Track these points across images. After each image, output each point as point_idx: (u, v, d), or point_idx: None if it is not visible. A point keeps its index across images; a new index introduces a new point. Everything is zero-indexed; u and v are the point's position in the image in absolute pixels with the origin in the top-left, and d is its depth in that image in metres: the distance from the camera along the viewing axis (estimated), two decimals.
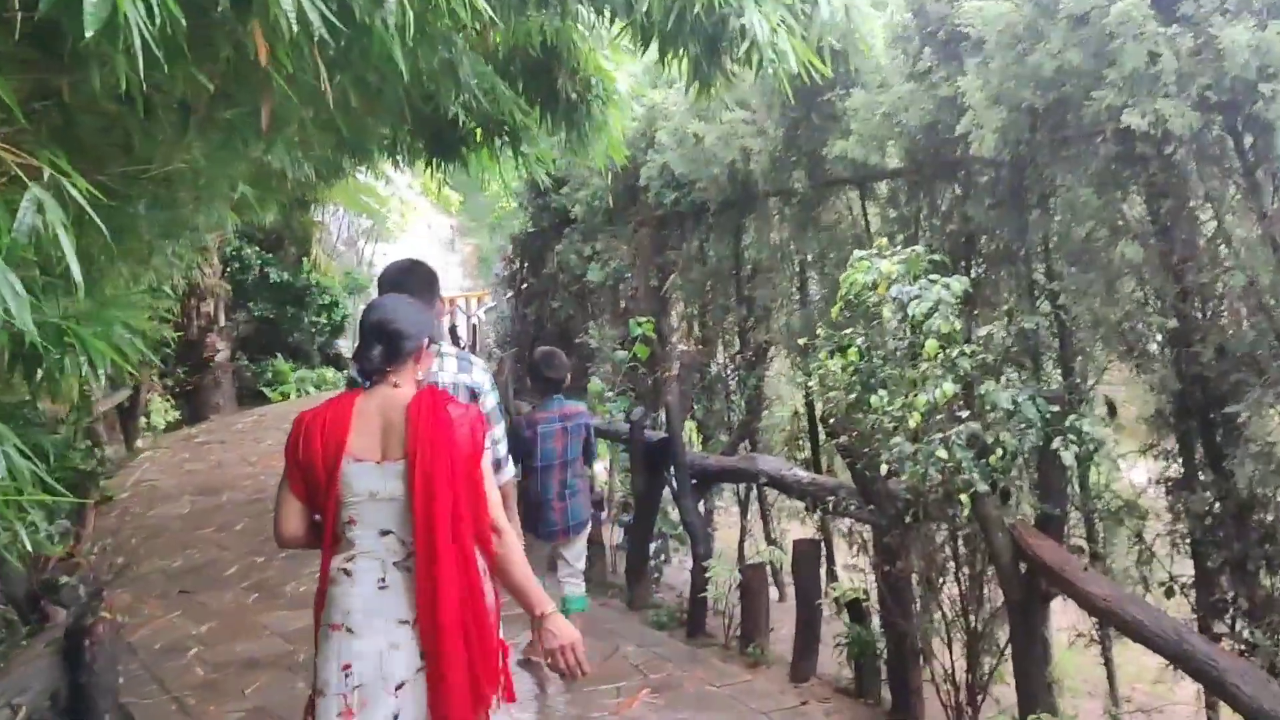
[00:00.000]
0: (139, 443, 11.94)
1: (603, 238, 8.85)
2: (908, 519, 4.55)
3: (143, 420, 12.23)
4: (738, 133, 6.83)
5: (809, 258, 7.07)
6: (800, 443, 7.04)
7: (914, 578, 4.74)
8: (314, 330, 15.50)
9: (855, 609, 5.22)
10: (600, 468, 8.39)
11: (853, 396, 4.42)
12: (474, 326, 10.65)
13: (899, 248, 4.54)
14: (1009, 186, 5.18)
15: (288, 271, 15.34)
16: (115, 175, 3.18)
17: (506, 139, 6.30)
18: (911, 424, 4.06)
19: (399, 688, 2.63)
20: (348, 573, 2.69)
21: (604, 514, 7.23)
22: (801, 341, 5.72)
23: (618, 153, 6.39)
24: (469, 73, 4.56)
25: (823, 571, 6.08)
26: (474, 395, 3.48)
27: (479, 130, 6.33)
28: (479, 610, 2.67)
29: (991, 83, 4.62)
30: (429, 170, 7.37)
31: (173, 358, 13.06)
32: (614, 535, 7.38)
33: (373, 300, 2.99)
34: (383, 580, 2.67)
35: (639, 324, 7.48)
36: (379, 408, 2.69)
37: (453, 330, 10.50)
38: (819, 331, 4.77)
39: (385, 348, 2.70)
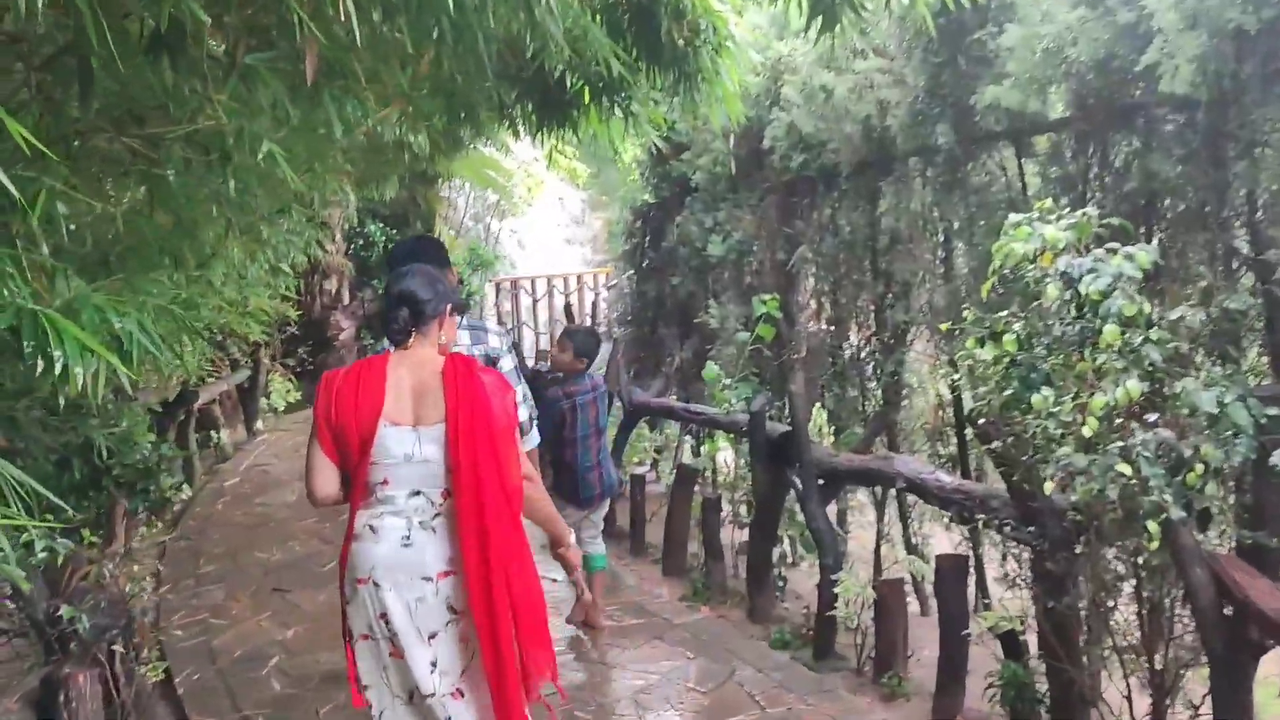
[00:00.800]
0: (259, 424, 11.83)
1: (725, 208, 8.10)
2: (1077, 544, 3.72)
3: (263, 401, 12.12)
4: (872, 83, 5.99)
5: (955, 226, 6.17)
6: (944, 438, 6.18)
7: (1083, 612, 3.89)
8: None
9: (1010, 641, 4.39)
10: (724, 458, 7.71)
11: (1008, 393, 3.59)
12: (593, 304, 10.08)
13: (1065, 210, 3.65)
14: (1205, 134, 4.24)
15: None
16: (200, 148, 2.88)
17: (614, 99, 5.68)
18: (1085, 430, 3.21)
19: (432, 637, 2.78)
20: (374, 529, 2.81)
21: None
22: (944, 326, 4.86)
23: (734, 107, 5.63)
24: (551, 10, 3.98)
25: (971, 585, 5.27)
26: (489, 361, 3.62)
27: (586, 90, 5.77)
28: (521, 565, 2.81)
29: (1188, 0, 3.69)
30: (539, 137, 6.91)
31: (295, 336, 12.94)
32: (735, 538, 6.67)
33: (394, 271, 3.06)
34: (407, 538, 2.79)
35: (763, 302, 6.74)
36: (410, 372, 2.82)
37: (567, 308, 9.94)
38: (966, 313, 3.93)
39: (411, 312, 2.84)
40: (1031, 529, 3.87)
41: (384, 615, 2.79)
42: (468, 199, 16.82)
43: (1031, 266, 3.50)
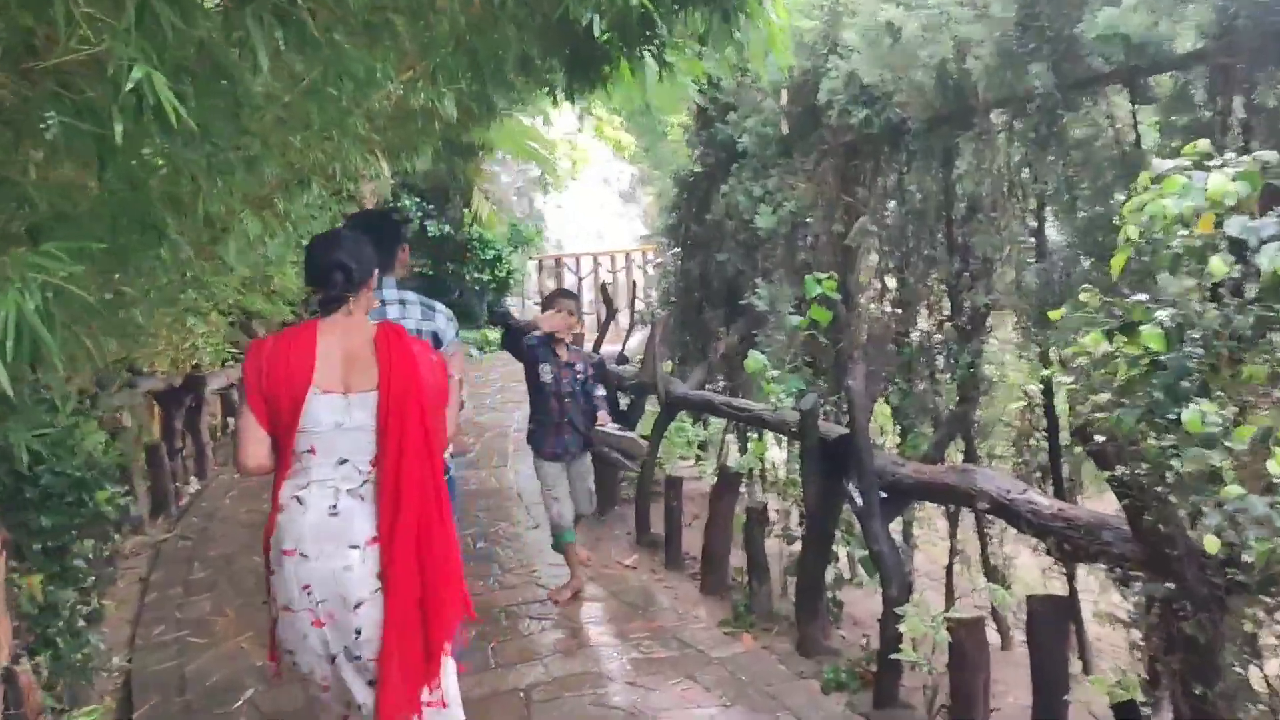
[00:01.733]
0: None
1: (776, 174, 7.14)
2: (1229, 601, 2.77)
3: None
4: (949, 19, 5.00)
5: (1049, 189, 5.16)
6: (1033, 445, 5.19)
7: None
8: (476, 287, 14.47)
9: (1128, 713, 3.45)
10: (776, 454, 6.80)
11: (1143, 406, 2.64)
12: (634, 284, 9.21)
13: (1228, 157, 2.67)
14: None
15: (448, 224, 14.33)
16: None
17: (645, 46, 4.81)
18: (1272, 466, 2.26)
19: (358, 606, 2.74)
20: (300, 500, 2.77)
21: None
22: (1055, 314, 3.87)
23: (782, 53, 4.72)
24: None
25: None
26: (436, 341, 3.67)
27: (619, 40, 4.94)
28: (445, 535, 2.84)
29: None
30: (571, 97, 6.20)
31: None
32: (782, 554, 5.77)
33: (317, 236, 3.08)
34: (334, 507, 2.76)
35: (818, 281, 5.79)
36: (340, 339, 2.81)
37: (604, 289, 9.08)
38: (1084, 295, 2.95)
39: (344, 276, 2.83)
40: (1168, 584, 2.91)
41: (307, 587, 2.74)
42: (511, 173, 16.02)
43: (1184, 232, 2.53)
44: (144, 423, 8.88)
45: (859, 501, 4.74)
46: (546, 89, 7.71)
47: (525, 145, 14.61)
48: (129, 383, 7.64)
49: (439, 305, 3.85)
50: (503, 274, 14.42)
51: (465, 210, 14.34)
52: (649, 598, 5.79)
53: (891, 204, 6.25)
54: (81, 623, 4.65)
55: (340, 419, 2.76)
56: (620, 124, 16.09)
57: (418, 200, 14.14)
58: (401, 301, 3.76)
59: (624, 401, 7.16)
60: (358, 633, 2.76)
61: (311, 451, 2.77)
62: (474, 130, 12.40)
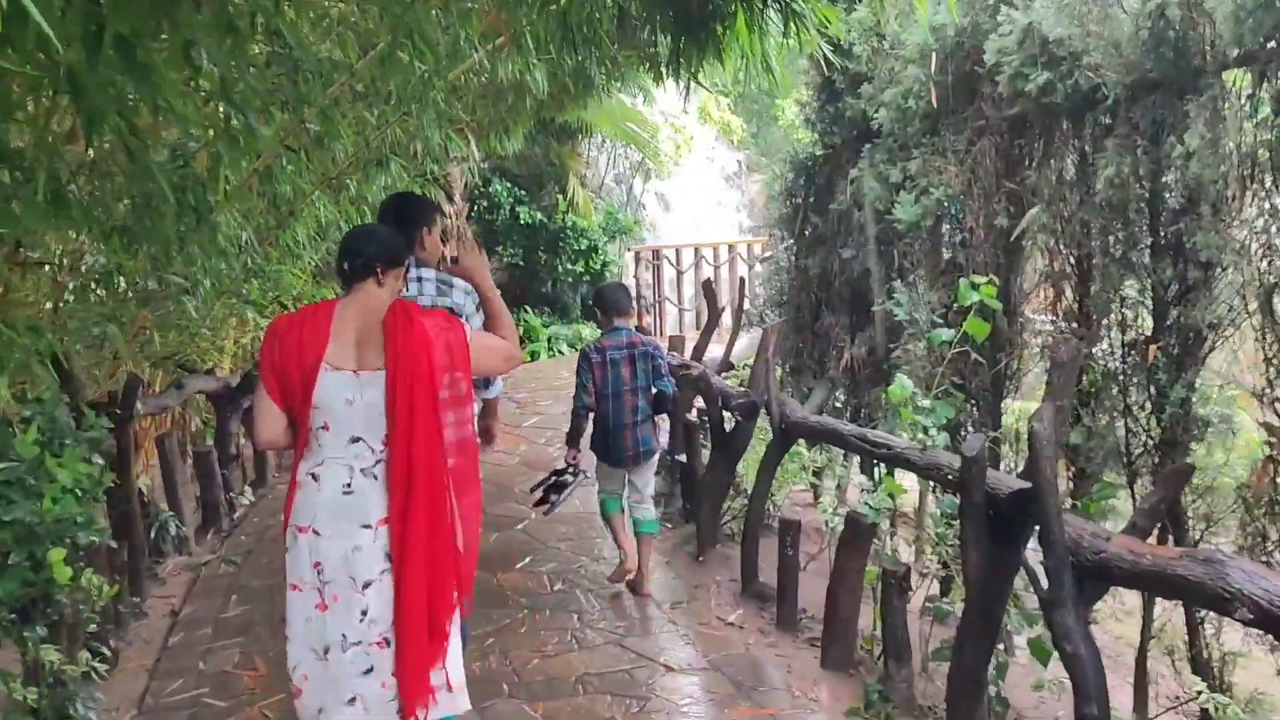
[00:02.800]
0: None
1: (920, 156, 5.93)
2: None
3: None
4: None
5: None
6: (1275, 513, 3.92)
7: None
8: (569, 279, 13.51)
9: None
10: (911, 484, 5.64)
11: None
12: (741, 281, 8.09)
13: None
14: None
15: (541, 211, 13.39)
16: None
17: None
18: None
19: (366, 586, 2.77)
20: (315, 478, 2.81)
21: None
22: None
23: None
24: None
25: None
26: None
27: None
28: (443, 519, 2.84)
29: None
30: (678, 68, 5.29)
31: None
32: (926, 630, 4.61)
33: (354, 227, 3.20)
34: (348, 485, 2.79)
35: (974, 286, 4.60)
36: (355, 317, 2.83)
37: (707, 286, 7.98)
38: None
39: (358, 260, 2.86)
40: None
41: (318, 565, 2.78)
42: (609, 157, 15.02)
43: None
44: (185, 427, 8.13)
45: (1044, 583, 3.58)
46: (647, 63, 6.58)
47: (625, 127, 13.60)
48: (177, 383, 6.86)
49: (456, 280, 3.84)
50: (598, 266, 13.37)
51: (559, 197, 13.38)
52: (757, 672, 4.71)
53: (1073, 192, 4.98)
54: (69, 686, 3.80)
55: (351, 396, 2.79)
56: (728, 105, 14.95)
57: (509, 185, 13.23)
58: (419, 279, 3.77)
59: (729, 421, 6.07)
60: (363, 613, 2.78)
61: (325, 428, 2.81)
62: (570, 109, 11.41)
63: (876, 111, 6.37)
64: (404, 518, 2.77)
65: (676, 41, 4.49)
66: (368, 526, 2.78)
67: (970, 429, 5.30)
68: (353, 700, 2.81)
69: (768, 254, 10.32)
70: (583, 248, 13.16)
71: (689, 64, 5.08)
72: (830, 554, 4.96)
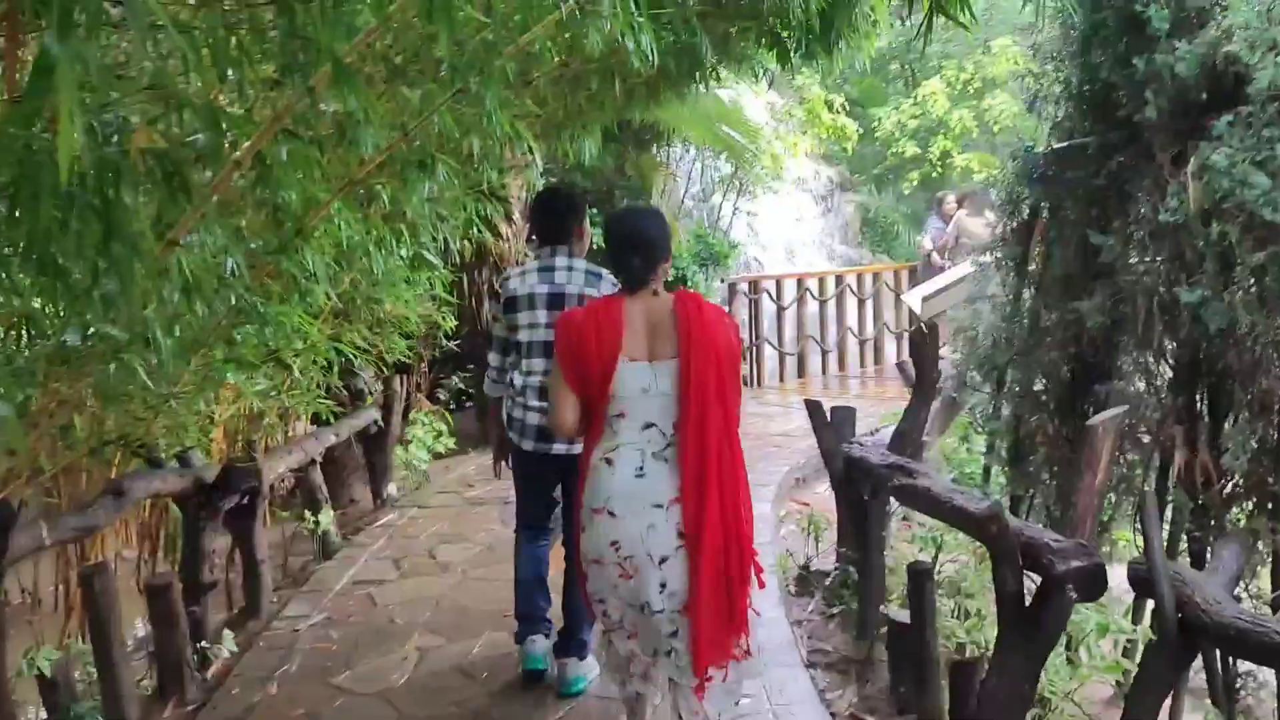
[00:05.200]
0: (390, 488, 7.86)
1: None
2: None
3: (400, 452, 8.13)
4: None
5: None
6: None
7: None
8: None
9: None
10: None
11: None
12: (923, 330, 5.66)
13: None
14: None
15: None
16: None
17: None
18: None
19: (663, 561, 2.96)
20: (609, 462, 3.01)
21: None
22: None
23: None
24: None
25: None
26: None
27: None
28: (737, 496, 3.01)
29: None
30: (814, 48, 4.66)
31: (452, 355, 8.95)
32: None
33: (613, 214, 3.76)
34: (640, 469, 2.98)
35: None
36: (644, 312, 3.04)
37: (918, 338, 5.41)
38: None
39: (643, 258, 3.09)
40: None
41: (615, 543, 2.97)
42: (692, 168, 12.51)
43: None
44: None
45: None
46: (769, 40, 5.25)
47: (720, 132, 11.11)
48: (115, 488, 4.42)
49: (605, 272, 3.89)
50: None
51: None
52: None
53: None
54: None
55: (646, 385, 2.97)
56: (842, 105, 12.40)
57: None
58: (569, 268, 3.91)
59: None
60: (663, 586, 2.96)
61: (621, 416, 3.00)
62: (658, 107, 8.93)
63: (1256, 63, 3.82)
64: (698, 497, 2.92)
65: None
66: (659, 506, 2.95)
67: None
68: (668, 653, 3.06)
69: (940, 285, 7.75)
70: (669, 278, 10.65)
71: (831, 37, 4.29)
72: None
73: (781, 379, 11.67)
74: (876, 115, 15.99)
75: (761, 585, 3.21)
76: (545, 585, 4.28)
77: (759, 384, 11.28)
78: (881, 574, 4.93)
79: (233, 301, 3.99)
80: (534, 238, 4.32)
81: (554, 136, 7.12)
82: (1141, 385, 4.66)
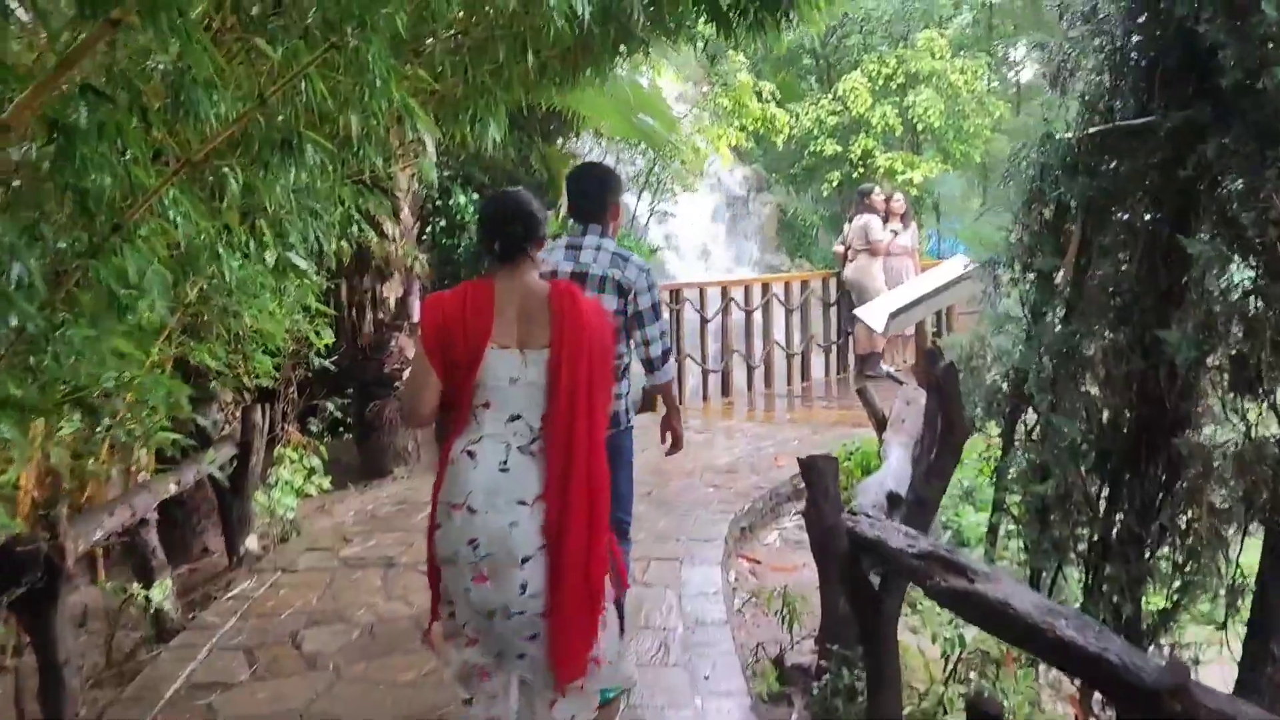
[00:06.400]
0: (249, 543, 6.36)
1: None
2: None
3: (260, 499, 6.63)
4: None
5: None
6: None
7: None
8: None
9: None
10: None
11: None
12: (929, 334, 4.40)
13: None
14: None
15: None
16: None
17: None
18: None
19: (525, 561, 2.79)
20: (471, 454, 2.84)
21: None
22: None
23: None
24: None
25: None
26: (621, 290, 3.66)
27: None
28: (601, 496, 2.86)
29: None
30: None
31: (327, 377, 7.44)
32: None
33: (493, 194, 3.34)
34: (504, 463, 2.81)
35: None
36: (518, 298, 2.88)
37: (931, 360, 4.26)
38: None
39: (525, 226, 2.93)
40: None
41: (473, 541, 2.80)
42: (604, 160, 11.20)
43: None
44: None
45: None
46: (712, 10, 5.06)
47: (638, 122, 9.86)
48: None
49: (634, 256, 3.81)
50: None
51: (553, 216, 9.60)
52: None
53: None
54: None
55: (515, 374, 2.83)
56: (772, 92, 11.21)
57: (476, 197, 9.38)
58: (598, 248, 3.75)
59: None
60: (523, 587, 2.79)
61: (487, 406, 2.84)
62: (578, 84, 7.68)
63: None
64: (562, 495, 2.79)
65: None
66: (524, 503, 2.80)
67: None
68: (521, 656, 2.89)
69: (935, 284, 6.59)
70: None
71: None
72: None
73: (705, 398, 10.47)
74: (793, 111, 14.93)
75: (626, 585, 3.14)
76: None
77: (682, 404, 10.07)
78: (897, 686, 3.72)
79: (14, 323, 2.90)
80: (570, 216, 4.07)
81: (450, 119, 5.94)
82: (1237, 437, 3.56)
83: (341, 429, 8.29)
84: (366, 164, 4.86)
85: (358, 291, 8.02)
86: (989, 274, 4.60)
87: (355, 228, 5.88)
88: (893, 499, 4.11)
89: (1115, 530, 4.12)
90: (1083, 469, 4.19)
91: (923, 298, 5.99)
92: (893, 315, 6.02)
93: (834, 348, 11.74)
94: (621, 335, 3.74)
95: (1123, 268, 4.11)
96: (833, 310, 11.65)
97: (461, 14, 4.94)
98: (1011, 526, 4.74)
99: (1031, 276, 4.52)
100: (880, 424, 6.23)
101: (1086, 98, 4.31)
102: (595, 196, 3.85)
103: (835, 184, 14.35)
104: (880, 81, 14.35)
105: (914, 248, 11.50)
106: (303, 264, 5.06)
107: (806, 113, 14.50)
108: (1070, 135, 4.37)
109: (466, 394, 2.83)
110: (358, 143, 4.17)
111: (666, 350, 3.92)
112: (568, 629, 2.82)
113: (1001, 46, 16.90)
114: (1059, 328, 4.42)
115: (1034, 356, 4.49)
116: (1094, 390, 4.17)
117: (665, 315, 4.07)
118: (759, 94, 11.67)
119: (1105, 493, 4.16)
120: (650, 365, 3.89)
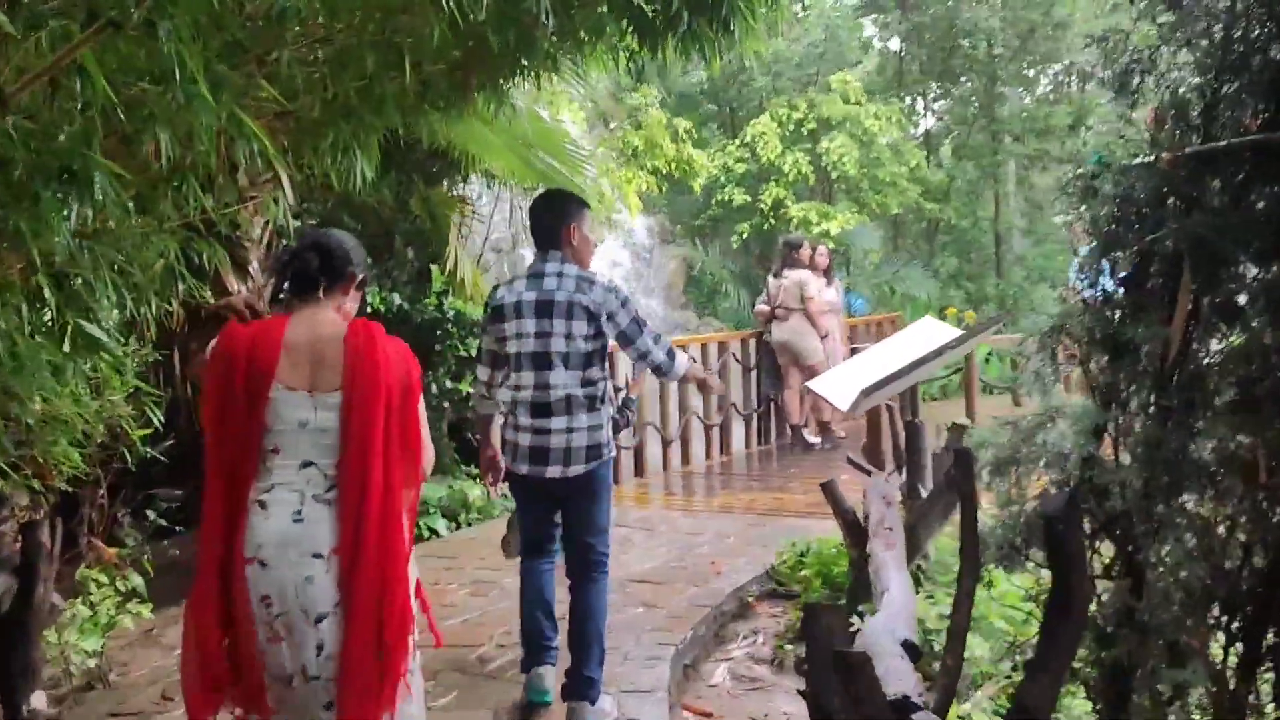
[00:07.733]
0: (35, 702, 4.59)
1: None
2: None
3: (52, 637, 4.95)
4: None
5: None
6: None
7: None
8: (451, 402, 8.16)
9: None
10: None
11: None
12: (905, 409, 3.31)
13: None
14: None
15: (401, 293, 8.09)
16: None
17: None
18: None
19: (319, 620, 2.57)
20: (263, 505, 2.63)
21: None
22: None
23: None
24: None
25: None
26: (590, 314, 3.63)
27: None
28: (396, 551, 2.63)
29: None
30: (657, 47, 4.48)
31: (149, 468, 5.77)
32: None
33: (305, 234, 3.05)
34: (299, 513, 2.61)
35: None
36: (309, 336, 2.67)
37: (956, 432, 3.01)
38: None
39: (323, 262, 2.73)
40: None
41: (266, 598, 2.56)
42: (494, 210, 9.79)
43: None
44: None
45: None
46: (631, 26, 4.72)
47: (536, 161, 8.51)
48: None
49: (599, 277, 3.77)
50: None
51: (433, 270, 8.16)
52: None
53: None
54: None
55: (305, 418, 2.62)
56: (688, 131, 10.01)
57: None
58: (560, 274, 3.71)
59: None
60: (319, 649, 2.57)
61: (276, 451, 2.64)
62: (467, 109, 6.47)
63: None
64: (354, 548, 2.55)
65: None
66: (319, 556, 2.57)
67: None
68: None
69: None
70: (472, 351, 7.84)
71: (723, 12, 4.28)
72: None
73: (617, 479, 9.05)
74: (696, 158, 13.88)
75: (438, 643, 2.92)
76: (551, 610, 4.03)
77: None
78: None
79: None
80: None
81: (308, 148, 4.70)
82: None
83: (179, 527, 6.64)
84: (193, 204, 3.66)
85: (193, 358, 6.43)
86: (1045, 347, 3.36)
87: (183, 286, 4.48)
88: (910, 650, 2.89)
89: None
90: (1203, 627, 2.94)
91: (902, 371, 4.90)
92: (865, 392, 4.89)
93: (754, 416, 10.55)
94: (597, 360, 3.69)
95: (1249, 337, 2.91)
96: (753, 375, 10.48)
97: (319, 9, 3.87)
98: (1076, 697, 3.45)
99: (1106, 354, 3.29)
100: (850, 526, 4.98)
101: (1180, 107, 3.13)
102: (550, 222, 3.81)
103: (744, 235, 13.28)
104: (790, 127, 13.41)
105: (839, 304, 10.47)
106: (98, 333, 3.70)
107: (713, 159, 13.45)
108: (1159, 156, 3.18)
109: (254, 438, 2.61)
110: (179, 175, 3.33)
111: (668, 349, 3.90)
112: (359, 697, 2.53)
113: (909, 96, 16.24)
114: (1149, 423, 3.17)
115: (1113, 462, 3.24)
116: (1203, 510, 2.94)
117: (649, 323, 3.97)
118: (674, 133, 10.51)
119: (1233, 659, 2.92)
120: (662, 370, 3.90)
